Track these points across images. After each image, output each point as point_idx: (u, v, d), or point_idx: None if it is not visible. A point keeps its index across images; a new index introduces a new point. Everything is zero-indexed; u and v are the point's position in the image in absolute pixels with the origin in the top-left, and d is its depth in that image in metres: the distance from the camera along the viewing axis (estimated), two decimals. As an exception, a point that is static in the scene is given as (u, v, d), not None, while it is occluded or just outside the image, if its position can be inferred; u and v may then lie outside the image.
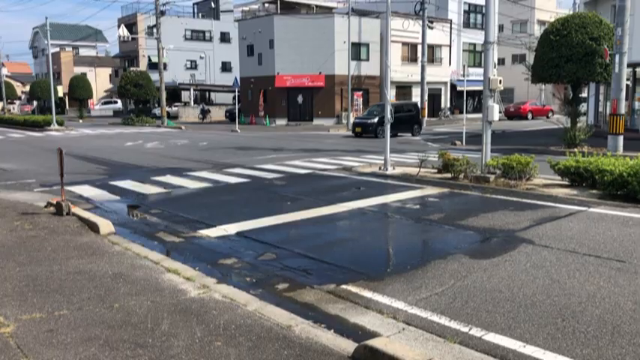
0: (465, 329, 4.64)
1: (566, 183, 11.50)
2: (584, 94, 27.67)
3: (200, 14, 63.50)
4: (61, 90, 60.08)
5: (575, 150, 13.62)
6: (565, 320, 4.77)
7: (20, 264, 6.33)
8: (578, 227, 8.04)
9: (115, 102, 64.34)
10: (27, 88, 68.48)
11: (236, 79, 36.82)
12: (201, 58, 60.02)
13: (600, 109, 27.98)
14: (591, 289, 5.50)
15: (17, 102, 71.65)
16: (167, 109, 43.96)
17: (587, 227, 8.03)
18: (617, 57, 17.49)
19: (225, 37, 61.05)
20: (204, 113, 47.35)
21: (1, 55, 59.25)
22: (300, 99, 39.62)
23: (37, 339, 4.34)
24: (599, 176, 10.36)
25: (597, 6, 27.07)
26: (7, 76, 65.63)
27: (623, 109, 18.07)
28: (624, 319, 4.77)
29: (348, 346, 4.18)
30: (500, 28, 52.39)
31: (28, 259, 6.54)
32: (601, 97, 27.60)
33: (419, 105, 32.69)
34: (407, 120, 28.44)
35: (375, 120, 27.69)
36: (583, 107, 24.71)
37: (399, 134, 27.82)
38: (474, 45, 46.34)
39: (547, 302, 5.17)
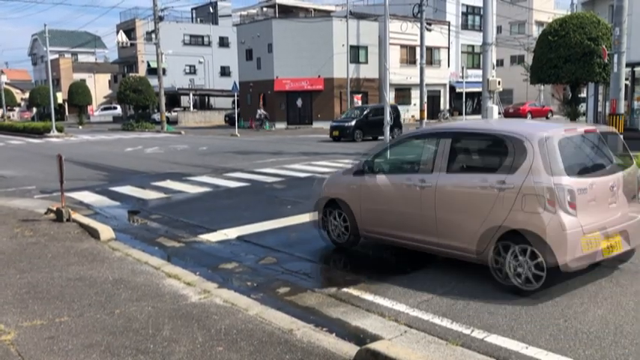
0: (467, 331, 4.63)
1: (567, 183, 11.48)
2: (583, 95, 27.68)
3: (198, 19, 63.60)
4: (60, 96, 60.07)
5: (575, 150, 13.60)
6: (567, 321, 4.76)
7: (21, 271, 6.32)
8: (579, 227, 8.01)
9: (115, 108, 64.35)
10: (26, 95, 68.56)
11: (235, 83, 36.84)
12: (200, 62, 60.08)
13: (599, 109, 27.95)
14: (593, 289, 5.49)
15: (17, 109, 71.70)
16: (166, 114, 43.98)
17: (588, 227, 8.00)
18: (615, 57, 17.47)
19: (223, 42, 61.11)
20: (262, 120, 39.39)
21: (1, 63, 59.38)
22: (299, 102, 39.65)
23: (38, 346, 4.33)
24: (599, 176, 10.33)
25: (595, 6, 27.10)
26: (6, 83, 65.64)
27: (622, 108, 18.02)
28: (627, 319, 4.76)
29: (350, 349, 4.17)
30: (499, 29, 52.38)
31: (29, 265, 6.53)
32: (600, 97, 27.58)
33: (398, 107, 32.14)
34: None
35: (353, 123, 27.23)
36: (582, 107, 24.68)
37: (379, 137, 26.99)
38: (473, 47, 46.40)
39: (549, 303, 5.16)
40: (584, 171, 5.53)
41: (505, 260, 5.41)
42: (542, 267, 5.18)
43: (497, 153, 5.77)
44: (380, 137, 27.45)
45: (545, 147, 5.29)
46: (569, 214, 5.13)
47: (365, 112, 27.97)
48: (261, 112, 39.25)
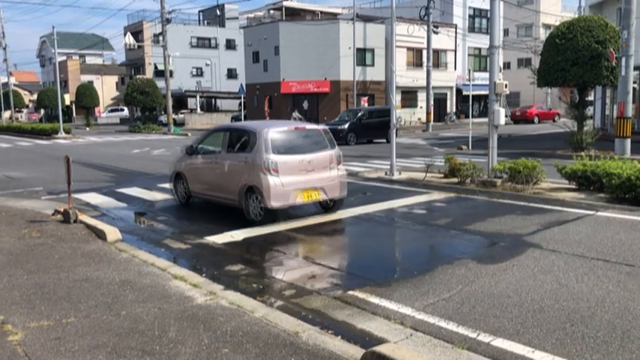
0: (473, 335, 4.62)
1: (574, 187, 11.45)
2: (591, 98, 27.55)
3: (205, 21, 63.83)
4: (68, 98, 60.29)
5: (582, 153, 13.56)
6: (574, 325, 4.74)
7: (28, 272, 6.36)
8: (586, 231, 7.99)
9: (122, 110, 64.66)
10: (34, 97, 68.95)
11: (242, 85, 36.91)
12: (206, 65, 60.28)
13: (607, 112, 27.86)
14: (600, 293, 5.46)
15: (25, 110, 72.15)
16: (173, 116, 44.10)
17: (595, 231, 7.98)
18: (623, 60, 17.42)
19: (230, 44, 61.32)
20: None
21: (9, 64, 59.68)
22: (305, 105, 39.67)
23: (45, 347, 4.35)
24: (606, 180, 10.31)
25: (603, 9, 27.02)
26: (14, 84, 66.09)
27: (630, 112, 17.98)
28: (634, 324, 4.73)
29: (356, 352, 4.16)
30: (506, 32, 52.29)
31: (36, 266, 6.57)
32: (607, 101, 27.49)
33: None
34: (380, 126, 25.28)
35: (346, 126, 26.30)
36: (589, 111, 24.58)
37: (373, 140, 26.88)
38: (480, 49, 46.33)
39: (555, 307, 5.14)
40: (287, 151, 8.94)
41: (248, 204, 9.00)
42: (262, 207, 8.77)
43: (247, 140, 9.30)
44: (375, 140, 27.04)
45: (265, 137, 8.81)
46: (274, 176, 8.68)
47: (359, 115, 27.23)
48: (296, 114, 37.51)
